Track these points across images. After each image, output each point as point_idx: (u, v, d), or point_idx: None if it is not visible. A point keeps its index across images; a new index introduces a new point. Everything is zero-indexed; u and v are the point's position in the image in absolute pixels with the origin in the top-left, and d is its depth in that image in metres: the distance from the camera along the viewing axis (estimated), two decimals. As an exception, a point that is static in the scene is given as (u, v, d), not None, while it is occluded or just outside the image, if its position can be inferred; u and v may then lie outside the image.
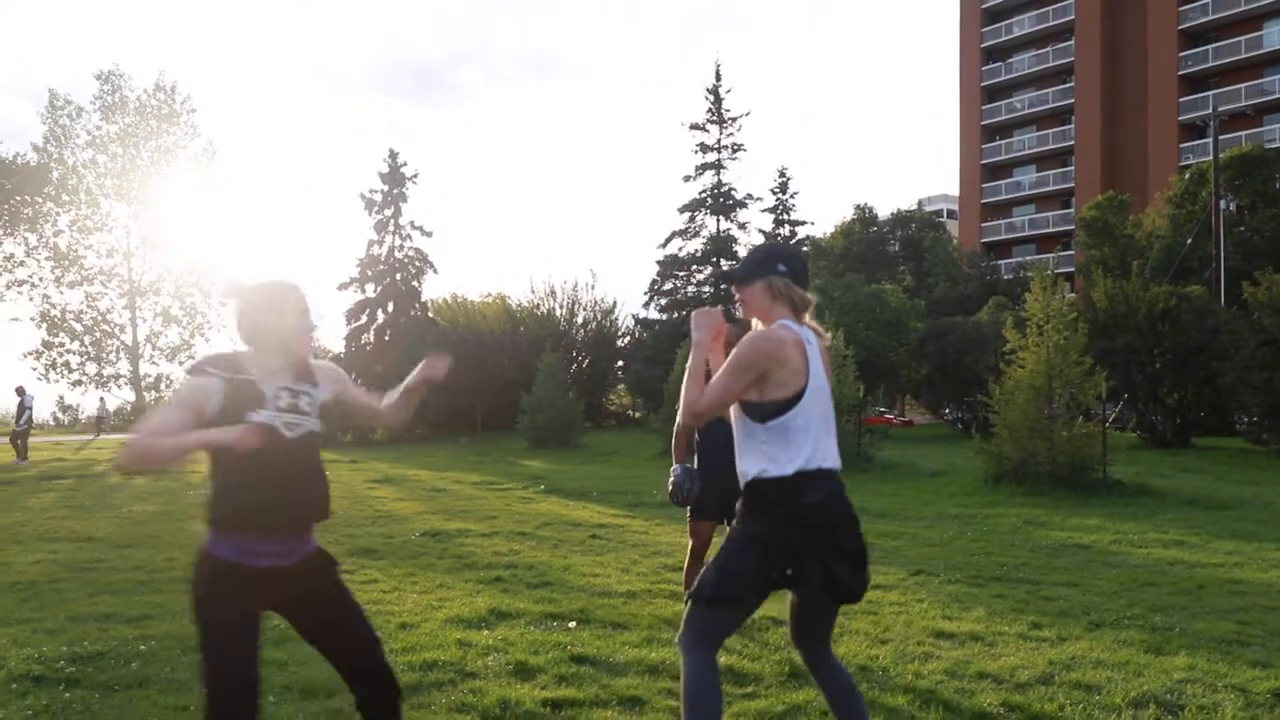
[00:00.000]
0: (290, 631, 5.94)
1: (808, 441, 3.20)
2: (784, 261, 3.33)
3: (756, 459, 3.25)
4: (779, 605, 7.00)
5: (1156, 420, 24.98)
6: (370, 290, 41.77)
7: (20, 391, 26.04)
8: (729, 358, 3.24)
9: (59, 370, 34.90)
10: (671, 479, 6.11)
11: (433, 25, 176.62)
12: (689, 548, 6.29)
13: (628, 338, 49.57)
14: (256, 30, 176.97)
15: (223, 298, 2.96)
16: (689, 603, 3.30)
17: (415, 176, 42.29)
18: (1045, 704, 4.58)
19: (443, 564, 8.85)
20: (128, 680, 4.91)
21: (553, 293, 50.30)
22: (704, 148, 48.38)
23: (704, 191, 48.09)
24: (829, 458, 3.26)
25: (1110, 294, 23.95)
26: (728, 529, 6.19)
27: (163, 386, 39.04)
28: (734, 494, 6.14)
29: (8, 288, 33.44)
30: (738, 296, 3.42)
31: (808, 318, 3.38)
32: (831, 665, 3.42)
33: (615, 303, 49.93)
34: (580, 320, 49.64)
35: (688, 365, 3.33)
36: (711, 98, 48.34)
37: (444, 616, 6.46)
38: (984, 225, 64.18)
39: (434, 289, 70.50)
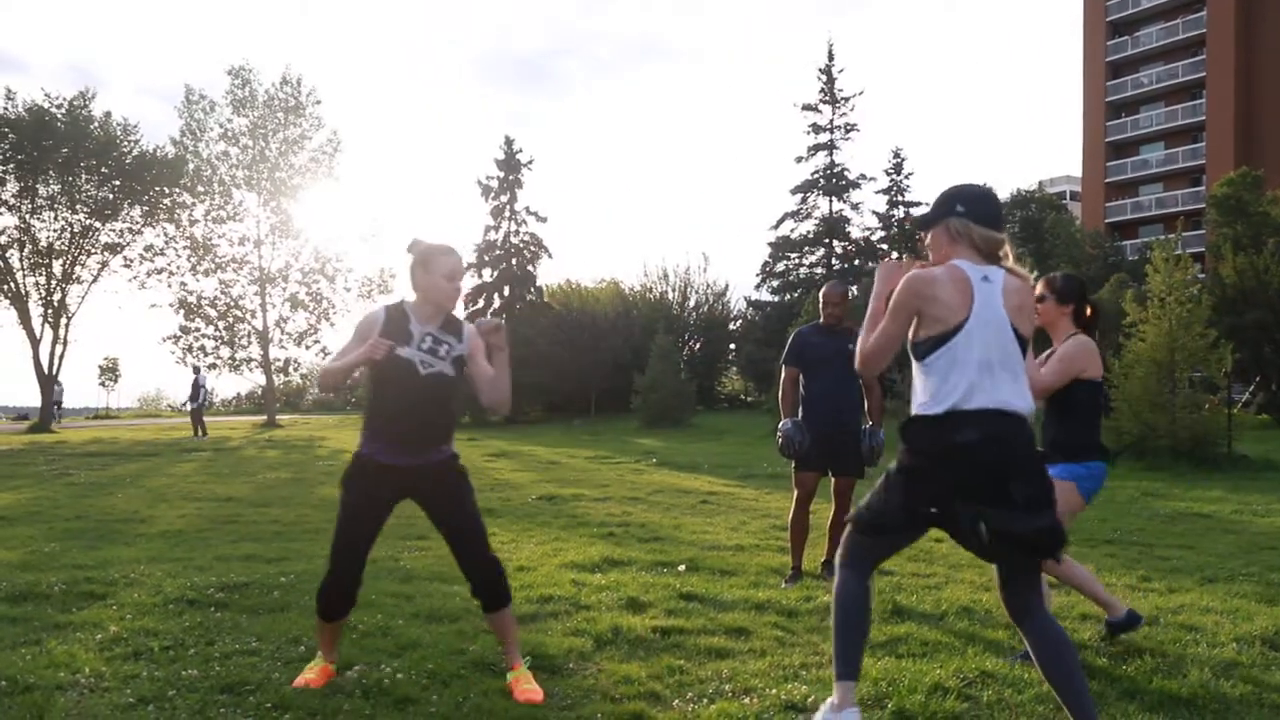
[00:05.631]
0: (416, 568, 6.36)
1: (964, 379, 3.09)
2: (962, 203, 3.28)
3: (918, 395, 3.20)
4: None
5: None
6: (487, 275, 42.67)
7: (196, 371, 28.45)
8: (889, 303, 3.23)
9: (195, 354, 36.42)
10: (781, 433, 6.31)
11: (535, 14, 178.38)
12: (794, 497, 6.47)
13: (740, 320, 49.65)
14: (368, 22, 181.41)
15: (405, 250, 3.76)
16: (848, 526, 3.38)
17: (530, 163, 42.99)
18: (1146, 641, 4.63)
19: (558, 522, 9.18)
20: (270, 606, 5.32)
21: (665, 276, 50.77)
22: (816, 128, 48.03)
23: (816, 172, 47.77)
24: (995, 397, 3.09)
25: (1239, 269, 23.10)
26: (832, 479, 6.36)
27: (291, 370, 40.37)
28: (836, 445, 6.33)
29: (149, 276, 35.02)
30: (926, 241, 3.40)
31: (1007, 259, 3.29)
32: (1038, 617, 3.17)
33: (727, 285, 50.23)
34: (692, 303, 49.97)
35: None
36: (824, 78, 47.93)
37: (559, 562, 6.76)
38: (1108, 205, 62.06)
39: (549, 274, 71.56)
